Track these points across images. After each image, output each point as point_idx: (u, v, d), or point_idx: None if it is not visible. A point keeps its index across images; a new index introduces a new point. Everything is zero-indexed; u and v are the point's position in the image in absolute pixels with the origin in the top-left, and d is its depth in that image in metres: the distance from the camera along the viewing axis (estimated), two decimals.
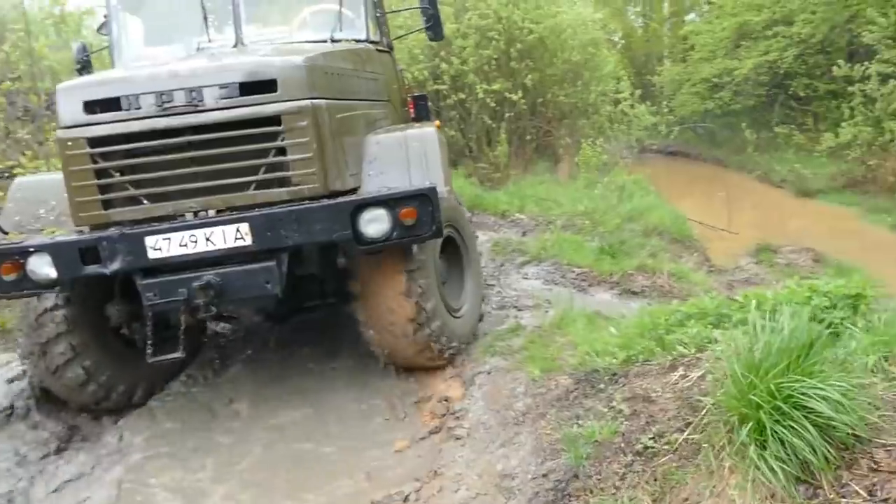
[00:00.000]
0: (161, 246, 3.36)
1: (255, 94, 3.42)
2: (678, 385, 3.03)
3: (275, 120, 3.44)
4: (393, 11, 6.43)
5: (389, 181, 3.84)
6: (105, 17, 4.88)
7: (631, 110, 12.88)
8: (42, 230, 3.69)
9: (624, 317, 4.61)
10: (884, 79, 11.47)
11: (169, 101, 3.38)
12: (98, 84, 3.58)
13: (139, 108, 3.39)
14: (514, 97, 12.15)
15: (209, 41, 4.38)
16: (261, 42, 4.41)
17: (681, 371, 3.11)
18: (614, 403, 3.14)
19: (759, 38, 16.36)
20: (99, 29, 5.17)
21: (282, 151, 3.48)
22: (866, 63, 11.75)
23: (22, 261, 3.38)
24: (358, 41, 4.67)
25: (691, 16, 24.08)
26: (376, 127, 4.38)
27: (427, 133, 4.12)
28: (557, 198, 9.83)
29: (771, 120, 16.17)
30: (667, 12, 26.45)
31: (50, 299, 3.77)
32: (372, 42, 4.85)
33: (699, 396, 2.80)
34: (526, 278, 6.52)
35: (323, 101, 3.57)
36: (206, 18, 4.39)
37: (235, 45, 4.31)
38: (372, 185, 3.86)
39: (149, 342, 3.56)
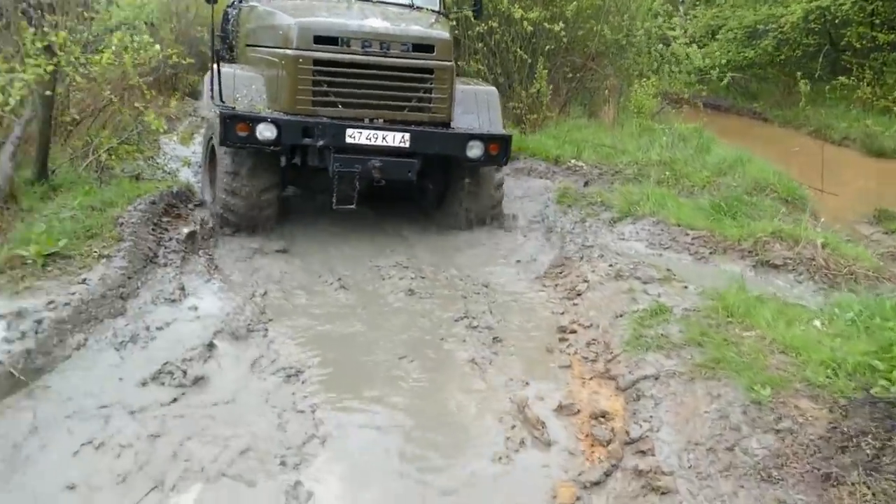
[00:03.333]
0: (354, 135, 5.07)
1: (421, 52, 5.27)
2: None
3: (429, 70, 5.31)
4: None
5: (469, 121, 5.73)
6: None
7: (682, 50, 11.50)
8: (251, 107, 5.28)
9: (821, 308, 3.38)
10: None
11: (368, 47, 5.14)
12: (323, 27, 5.18)
13: (349, 47, 5.12)
14: (556, 28, 10.67)
15: None
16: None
17: None
18: None
19: None
20: None
21: (428, 91, 5.38)
22: None
23: (252, 125, 4.95)
24: (436, 12, 6.46)
25: None
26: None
27: (490, 90, 6.29)
28: (614, 144, 8.50)
29: (815, 72, 14.83)
30: None
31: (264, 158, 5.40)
32: (443, 13, 6.70)
33: None
34: (623, 239, 5.25)
35: (452, 62, 5.50)
36: None
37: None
38: (461, 121, 5.69)
39: (334, 195, 5.31)
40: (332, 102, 5.21)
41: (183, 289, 4.44)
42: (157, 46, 5.39)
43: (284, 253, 5.29)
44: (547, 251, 5.59)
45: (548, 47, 10.85)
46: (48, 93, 5.47)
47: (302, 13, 5.39)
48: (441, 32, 5.55)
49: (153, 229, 5.11)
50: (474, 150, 5.31)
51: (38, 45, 4.97)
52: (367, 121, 5.21)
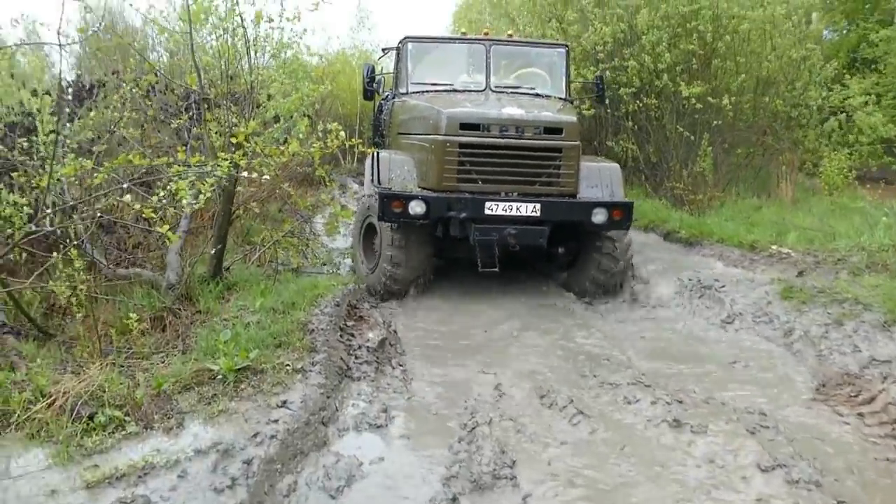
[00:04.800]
0: (492, 207, 5.74)
1: (551, 135, 5.94)
2: None
3: (557, 150, 5.96)
4: (574, 81, 9.06)
5: (594, 192, 6.23)
6: (386, 50, 8.28)
7: (865, 119, 10.30)
8: (403, 187, 5.97)
9: None
10: None
11: (506, 132, 5.84)
12: (468, 116, 5.89)
13: (489, 132, 5.83)
14: (723, 102, 9.81)
15: (470, 82, 6.92)
16: (502, 86, 6.90)
17: None
18: None
19: None
20: (382, 56, 9.06)
21: (557, 167, 5.99)
22: None
23: (405, 202, 5.66)
24: (563, 99, 7.05)
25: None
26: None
27: (613, 166, 6.65)
28: (820, 227, 7.39)
29: None
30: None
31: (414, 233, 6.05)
32: (569, 100, 7.22)
33: None
34: None
35: (578, 142, 6.12)
36: (468, 69, 7.03)
37: (485, 89, 6.75)
38: (586, 193, 6.20)
39: (478, 260, 5.99)
40: (473, 179, 5.88)
41: (386, 411, 3.76)
42: (343, 133, 4.99)
43: (487, 374, 4.47)
44: (798, 363, 4.56)
45: (715, 122, 9.98)
46: (229, 186, 5.15)
47: (449, 105, 6.12)
48: (569, 117, 6.18)
49: (341, 336, 4.52)
50: (599, 217, 5.85)
51: (221, 139, 4.68)
52: (502, 194, 5.83)
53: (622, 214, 5.93)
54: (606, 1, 11.40)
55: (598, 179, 6.30)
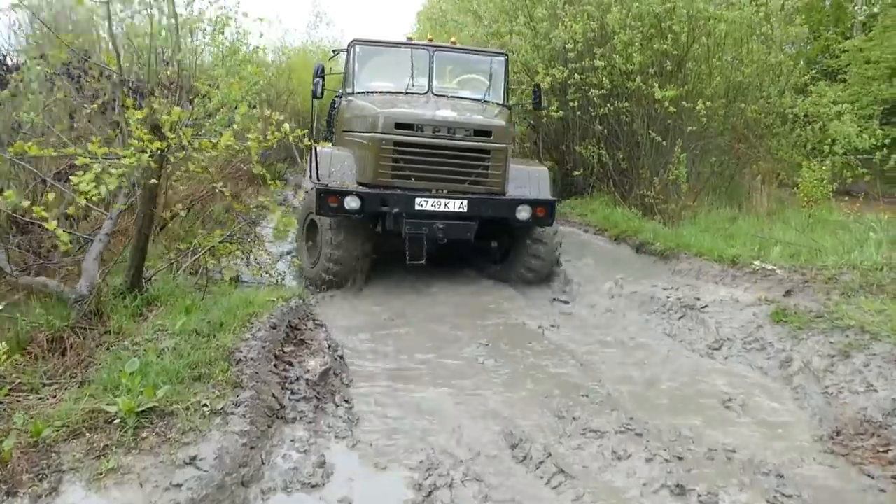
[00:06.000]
0: (422, 203, 6.10)
1: (480, 137, 6.32)
2: None
3: (486, 151, 6.35)
4: (512, 88, 9.17)
5: (523, 192, 6.65)
6: (336, 51, 9.05)
7: (844, 128, 9.97)
8: (341, 182, 6.33)
9: None
10: None
11: (438, 132, 6.22)
12: (403, 116, 6.27)
13: (422, 132, 6.21)
14: (699, 106, 9.36)
15: (413, 86, 7.27)
16: (444, 91, 7.42)
17: None
18: None
19: None
20: (331, 57, 9.43)
21: (486, 167, 6.37)
22: None
23: (341, 198, 6.01)
24: (500, 104, 7.47)
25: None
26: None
27: (542, 169, 7.31)
28: (804, 241, 6.94)
29: None
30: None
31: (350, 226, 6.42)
32: (506, 105, 7.61)
33: None
34: None
35: (507, 144, 6.57)
36: (412, 73, 7.34)
37: (427, 92, 7.19)
38: (514, 192, 6.62)
39: (407, 252, 6.30)
40: (406, 176, 6.24)
41: (325, 465, 3.07)
42: (287, 125, 4.28)
43: (447, 412, 3.82)
44: (801, 402, 4.02)
45: (689, 128, 9.52)
46: (153, 181, 4.37)
47: (387, 105, 6.55)
48: (497, 121, 6.53)
49: (276, 365, 3.81)
50: (523, 213, 6.32)
51: (141, 127, 3.91)
52: (433, 191, 6.20)
53: (545, 211, 6.41)
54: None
55: (528, 181, 6.75)
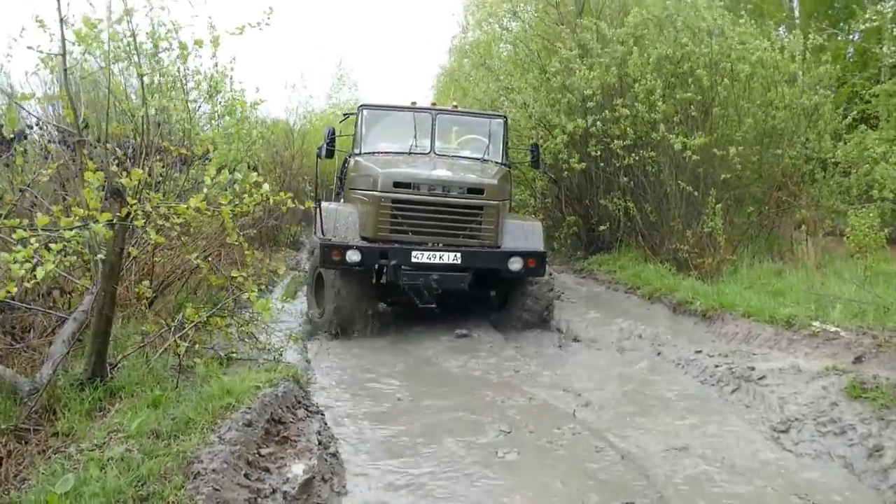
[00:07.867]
0: (418, 256, 6.51)
1: (473, 194, 6.76)
2: None
3: (479, 207, 6.77)
4: (511, 147, 9.51)
5: (517, 244, 6.93)
6: (346, 115, 9.57)
7: (888, 171, 9.22)
8: (344, 237, 6.76)
9: None
10: None
11: (434, 190, 6.70)
12: (401, 175, 6.77)
13: (419, 190, 6.68)
14: (730, 153, 8.72)
15: (416, 146, 7.79)
16: (446, 151, 7.99)
17: None
18: None
19: None
20: (342, 120, 9.65)
21: (479, 223, 6.79)
22: None
23: (343, 251, 6.44)
24: (499, 163, 7.95)
25: None
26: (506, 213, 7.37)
27: (535, 224, 7.51)
28: (865, 297, 6.13)
29: None
30: None
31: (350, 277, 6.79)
32: (505, 164, 8.13)
33: None
34: None
35: (500, 201, 6.96)
36: (415, 134, 7.85)
37: (430, 152, 7.74)
38: (509, 245, 6.93)
39: (415, 298, 6.78)
40: (404, 230, 6.71)
41: None
42: (266, 186, 3.70)
43: None
44: None
45: (722, 177, 8.85)
46: (111, 257, 3.78)
47: (387, 165, 7.06)
48: (490, 179, 7.01)
49: (247, 474, 3.10)
50: (515, 265, 6.64)
51: (94, 193, 3.35)
52: (429, 245, 6.63)
53: (536, 262, 6.74)
54: (591, 51, 10.47)
55: (522, 234, 7.08)
